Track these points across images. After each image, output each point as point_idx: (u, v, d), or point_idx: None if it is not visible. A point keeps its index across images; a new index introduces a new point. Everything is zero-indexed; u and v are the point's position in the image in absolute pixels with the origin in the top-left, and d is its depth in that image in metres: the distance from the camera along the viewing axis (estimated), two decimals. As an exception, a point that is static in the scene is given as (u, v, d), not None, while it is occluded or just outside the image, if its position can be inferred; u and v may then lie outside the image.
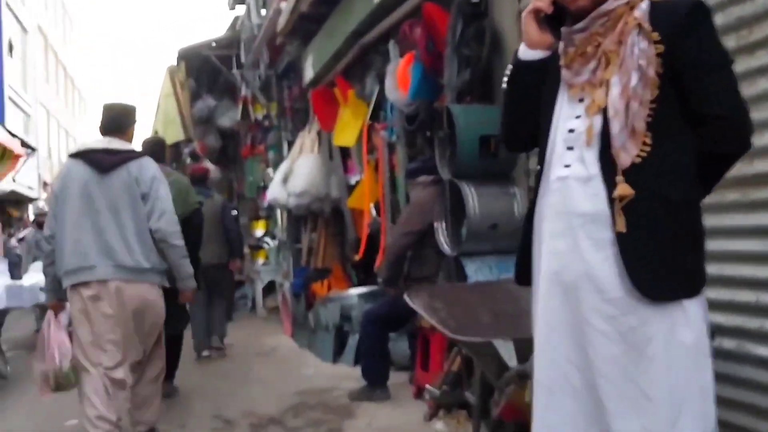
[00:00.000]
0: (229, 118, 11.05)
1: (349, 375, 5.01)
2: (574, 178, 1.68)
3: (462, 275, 3.74)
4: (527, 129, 1.87)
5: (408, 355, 4.75)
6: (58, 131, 28.20)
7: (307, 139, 7.50)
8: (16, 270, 8.32)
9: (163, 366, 3.70)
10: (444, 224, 3.95)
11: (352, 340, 5.54)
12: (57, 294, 3.47)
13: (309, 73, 7.25)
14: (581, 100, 1.70)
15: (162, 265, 3.42)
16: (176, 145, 11.26)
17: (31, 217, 15.52)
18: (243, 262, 8.04)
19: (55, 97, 27.77)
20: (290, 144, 8.38)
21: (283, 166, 7.52)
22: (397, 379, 4.51)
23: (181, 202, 4.04)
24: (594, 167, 1.66)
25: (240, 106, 10.40)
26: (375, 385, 4.28)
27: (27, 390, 4.79)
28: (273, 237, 10.42)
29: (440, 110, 4.10)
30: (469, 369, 3.42)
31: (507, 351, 2.51)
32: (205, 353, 6.17)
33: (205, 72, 11.09)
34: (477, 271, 3.66)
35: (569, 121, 1.72)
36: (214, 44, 10.67)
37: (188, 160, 11.64)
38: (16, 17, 20.07)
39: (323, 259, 7.47)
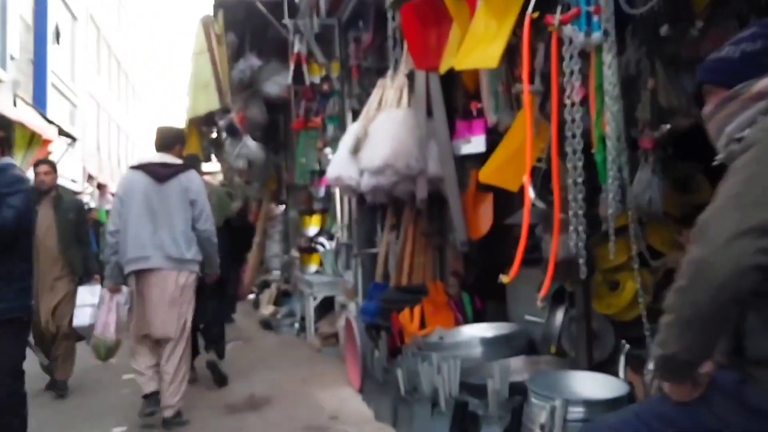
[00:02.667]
0: (277, 84, 8.53)
1: None
2: None
3: None
4: None
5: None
6: (108, 125, 26.33)
7: (390, 88, 4.92)
8: None
9: (188, 352, 4.42)
10: None
11: (487, 434, 2.92)
12: (116, 279, 4.35)
13: (397, -18, 4.68)
14: None
15: (198, 257, 4.32)
16: (210, 117, 8.80)
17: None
18: None
19: (107, 90, 25.93)
20: (356, 115, 5.87)
21: (354, 130, 4.94)
22: None
23: (223, 208, 5.53)
24: None
25: (292, 67, 7.87)
26: None
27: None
28: (330, 237, 7.93)
29: None
30: None
31: None
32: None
33: (249, 24, 8.60)
34: None
35: None
36: (261, -13, 8.20)
37: (225, 138, 9.17)
38: (65, 4, 18.26)
39: (410, 272, 4.88)
